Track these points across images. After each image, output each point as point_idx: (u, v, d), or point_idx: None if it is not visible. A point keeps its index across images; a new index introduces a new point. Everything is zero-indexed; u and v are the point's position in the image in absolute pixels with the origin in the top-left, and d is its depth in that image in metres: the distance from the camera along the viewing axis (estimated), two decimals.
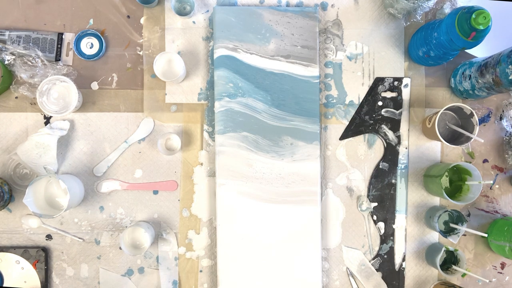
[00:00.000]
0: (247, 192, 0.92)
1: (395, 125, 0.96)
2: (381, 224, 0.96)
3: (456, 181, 0.93)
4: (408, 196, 0.96)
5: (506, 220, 0.91)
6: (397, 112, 0.96)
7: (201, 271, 0.95)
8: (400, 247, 0.96)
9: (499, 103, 0.97)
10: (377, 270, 0.95)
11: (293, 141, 0.93)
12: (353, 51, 0.97)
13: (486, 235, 0.89)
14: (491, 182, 0.93)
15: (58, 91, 0.91)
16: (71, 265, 0.94)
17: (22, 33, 0.94)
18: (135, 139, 0.95)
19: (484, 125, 0.97)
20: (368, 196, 0.96)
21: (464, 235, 0.96)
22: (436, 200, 0.97)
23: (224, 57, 0.93)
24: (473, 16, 0.77)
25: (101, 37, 0.94)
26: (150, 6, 0.95)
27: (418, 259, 0.96)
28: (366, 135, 0.96)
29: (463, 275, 0.94)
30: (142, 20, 0.96)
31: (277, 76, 0.93)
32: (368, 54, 0.97)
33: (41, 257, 0.92)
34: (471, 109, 0.88)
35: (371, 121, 0.96)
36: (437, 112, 0.89)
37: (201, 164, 0.95)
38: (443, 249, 0.89)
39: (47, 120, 0.94)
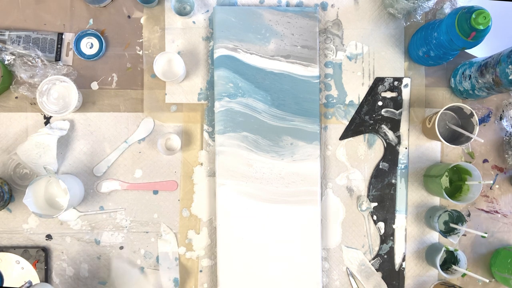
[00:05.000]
0: (247, 192, 0.92)
1: (395, 125, 0.96)
2: (381, 224, 0.96)
3: (456, 181, 0.93)
4: (408, 196, 0.96)
5: (508, 251, 0.92)
6: (397, 112, 0.96)
7: (201, 271, 0.95)
8: (400, 247, 0.96)
9: (499, 103, 0.97)
10: (377, 270, 0.95)
11: (293, 141, 0.93)
12: (353, 51, 0.97)
13: (486, 235, 0.88)
14: (491, 182, 0.93)
15: (58, 91, 0.91)
16: (71, 265, 0.94)
17: (22, 33, 0.94)
18: (135, 139, 0.95)
19: (484, 125, 0.97)
20: (368, 196, 0.96)
21: (464, 235, 0.96)
22: (436, 200, 0.97)
23: (224, 57, 0.93)
24: (473, 16, 0.77)
25: (101, 37, 0.94)
26: (150, 6, 0.95)
27: (418, 259, 0.96)
28: (366, 135, 0.96)
29: (463, 275, 0.94)
30: (142, 20, 0.96)
31: (277, 76, 0.93)
32: (368, 54, 0.97)
33: (41, 257, 0.92)
34: (471, 109, 0.88)
35: (371, 121, 0.96)
36: (437, 112, 0.89)
37: (201, 164, 0.95)
38: (443, 249, 0.89)
39: (47, 120, 0.94)
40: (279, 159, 0.92)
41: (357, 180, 0.96)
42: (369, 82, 0.97)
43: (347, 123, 0.96)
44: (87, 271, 0.94)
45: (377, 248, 0.96)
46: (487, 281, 0.90)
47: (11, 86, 0.93)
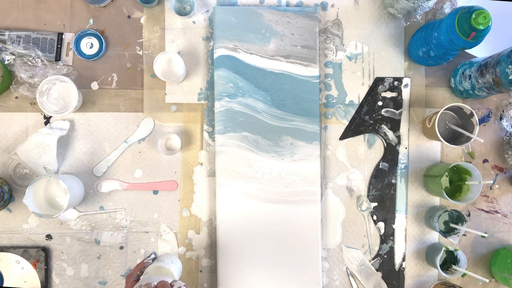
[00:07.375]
0: (247, 192, 0.92)
1: (395, 125, 0.96)
2: (381, 224, 0.96)
3: (456, 181, 0.93)
4: (408, 196, 0.96)
5: (508, 251, 0.92)
6: (397, 112, 0.96)
7: (201, 271, 0.95)
8: (400, 247, 0.96)
9: (499, 103, 0.97)
10: (377, 270, 0.95)
11: (293, 141, 0.93)
12: (353, 51, 0.97)
13: (486, 235, 0.89)
14: (491, 182, 0.93)
15: (58, 91, 0.91)
16: (71, 265, 0.94)
17: (22, 33, 0.93)
18: (135, 139, 0.95)
19: (484, 125, 0.97)
20: (368, 196, 0.96)
21: (464, 235, 0.96)
22: (436, 200, 0.97)
23: (224, 57, 0.93)
24: (473, 16, 0.77)
25: (101, 37, 0.94)
26: (150, 6, 0.95)
27: (418, 259, 0.96)
28: (366, 135, 0.96)
29: (463, 275, 0.94)
30: (142, 20, 0.96)
31: (277, 76, 0.93)
32: (368, 54, 0.97)
33: (41, 257, 0.92)
34: (471, 109, 0.88)
35: (371, 121, 0.96)
36: (437, 112, 0.89)
37: (201, 164, 0.95)
38: (443, 249, 0.89)
39: (47, 120, 0.94)
40: (279, 159, 0.92)
41: (357, 180, 0.96)
42: (369, 82, 0.97)
43: (347, 123, 0.96)
44: (87, 271, 0.94)
45: (377, 248, 0.96)
46: (487, 281, 0.90)
47: (11, 86, 0.93)
